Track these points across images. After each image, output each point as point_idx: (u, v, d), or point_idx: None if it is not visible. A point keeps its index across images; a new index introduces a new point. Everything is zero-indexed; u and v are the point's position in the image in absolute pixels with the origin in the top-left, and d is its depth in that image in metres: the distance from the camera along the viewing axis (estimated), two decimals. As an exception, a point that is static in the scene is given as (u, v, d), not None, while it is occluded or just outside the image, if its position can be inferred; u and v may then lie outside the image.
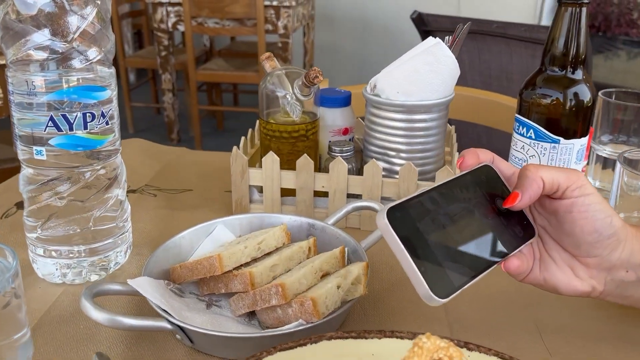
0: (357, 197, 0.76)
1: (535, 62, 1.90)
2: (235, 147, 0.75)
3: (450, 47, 0.73)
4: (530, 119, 0.71)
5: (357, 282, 0.54)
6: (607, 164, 0.84)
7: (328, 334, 0.43)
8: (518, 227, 0.48)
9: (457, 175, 0.47)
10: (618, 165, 0.62)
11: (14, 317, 0.45)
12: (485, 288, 0.61)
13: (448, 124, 0.84)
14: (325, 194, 0.76)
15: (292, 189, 0.76)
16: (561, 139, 0.70)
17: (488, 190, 0.48)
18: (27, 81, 0.55)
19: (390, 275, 0.65)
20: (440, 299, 0.40)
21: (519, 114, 0.73)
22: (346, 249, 0.60)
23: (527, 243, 0.48)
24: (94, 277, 0.63)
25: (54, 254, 0.61)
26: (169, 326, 0.50)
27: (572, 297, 0.49)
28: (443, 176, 0.71)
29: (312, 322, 0.50)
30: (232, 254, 0.56)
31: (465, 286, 0.42)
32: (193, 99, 3.21)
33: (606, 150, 0.83)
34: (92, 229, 0.62)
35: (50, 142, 0.57)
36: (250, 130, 0.84)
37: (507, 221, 0.47)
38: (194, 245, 0.63)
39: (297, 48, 3.65)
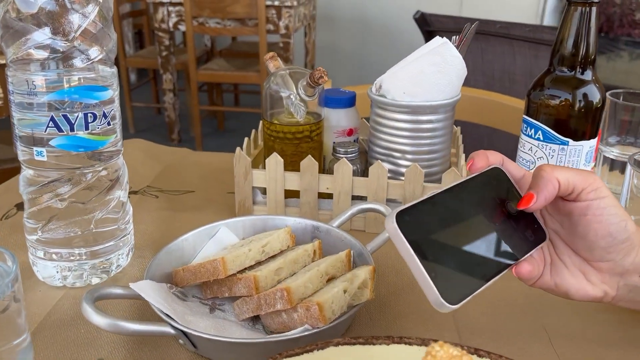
0: (362, 199, 0.76)
1: (538, 63, 1.90)
2: (238, 148, 0.74)
3: (457, 47, 0.72)
4: (538, 120, 0.70)
5: (363, 287, 0.53)
6: (614, 165, 0.83)
7: (335, 340, 0.42)
8: (529, 231, 0.47)
9: (467, 178, 0.46)
10: (628, 168, 0.61)
11: (14, 321, 0.44)
12: (492, 292, 0.60)
13: (454, 125, 0.83)
14: (329, 196, 0.75)
15: (296, 191, 0.75)
16: (570, 140, 0.69)
17: (498, 193, 0.47)
18: (27, 81, 0.54)
19: (396, 279, 0.64)
20: (451, 305, 0.39)
21: (526, 115, 0.72)
22: (352, 252, 0.59)
23: (538, 247, 0.47)
24: (95, 280, 0.62)
25: (54, 256, 0.60)
26: (172, 331, 0.49)
27: (582, 302, 0.48)
28: (450, 178, 0.70)
29: (318, 328, 0.49)
30: (236, 257, 0.55)
31: (476, 292, 0.41)
32: (194, 99, 3.20)
33: (613, 152, 0.82)
34: (94, 231, 0.61)
35: (51, 142, 0.56)
36: (253, 131, 0.83)
37: (517, 225, 0.46)
38: (197, 248, 0.62)
39: (298, 48, 3.64)
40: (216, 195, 0.85)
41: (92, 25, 0.55)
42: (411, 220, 0.40)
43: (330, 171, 0.75)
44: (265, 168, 0.74)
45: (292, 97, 0.73)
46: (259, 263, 0.58)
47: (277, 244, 0.59)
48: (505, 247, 0.45)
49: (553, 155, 0.70)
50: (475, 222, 0.44)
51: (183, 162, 0.97)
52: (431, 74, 0.71)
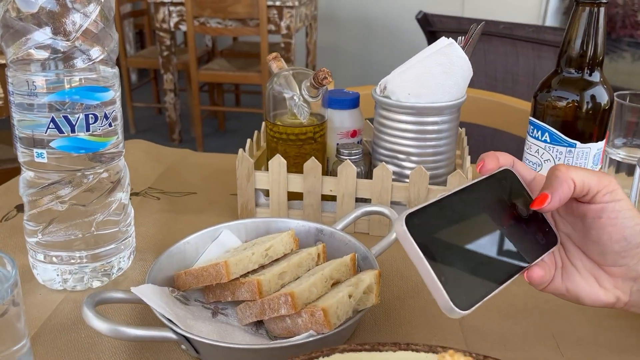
0: (366, 201, 0.75)
1: (541, 64, 1.89)
2: (241, 150, 0.73)
3: (463, 48, 0.71)
4: (545, 122, 0.69)
5: (369, 291, 0.52)
6: (620, 167, 0.82)
7: (341, 347, 0.41)
8: (540, 234, 0.46)
9: (477, 180, 0.45)
10: (637, 170, 0.60)
11: (13, 326, 0.43)
12: (499, 296, 0.59)
13: (459, 127, 0.82)
14: (333, 198, 0.75)
15: (299, 193, 0.74)
16: (577, 142, 0.68)
17: (509, 195, 0.46)
18: (27, 81, 0.53)
19: (401, 283, 0.63)
20: (462, 311, 0.38)
21: (533, 116, 0.71)
22: (357, 256, 0.58)
23: (549, 251, 0.46)
24: (96, 284, 0.62)
25: (54, 259, 0.60)
26: (174, 336, 0.48)
27: (593, 307, 0.47)
28: (455, 180, 0.69)
29: (323, 333, 0.48)
30: (239, 260, 0.54)
31: (487, 297, 0.40)
32: (195, 99, 3.19)
33: (620, 154, 0.81)
34: (95, 233, 0.60)
35: (51, 144, 0.55)
36: (256, 132, 0.82)
37: (528, 228, 0.45)
38: (199, 251, 0.61)
39: (299, 48, 3.64)
40: (218, 197, 0.84)
41: (94, 25, 0.54)
42: (421, 223, 0.39)
43: (333, 173, 0.74)
44: (268, 170, 0.73)
45: (295, 98, 0.72)
46: (263, 267, 0.57)
47: (280, 247, 0.58)
48: (516, 251, 0.44)
49: (560, 158, 0.69)
50: (486, 225, 0.43)
51: (184, 163, 0.96)
52: (437, 75, 0.70)
